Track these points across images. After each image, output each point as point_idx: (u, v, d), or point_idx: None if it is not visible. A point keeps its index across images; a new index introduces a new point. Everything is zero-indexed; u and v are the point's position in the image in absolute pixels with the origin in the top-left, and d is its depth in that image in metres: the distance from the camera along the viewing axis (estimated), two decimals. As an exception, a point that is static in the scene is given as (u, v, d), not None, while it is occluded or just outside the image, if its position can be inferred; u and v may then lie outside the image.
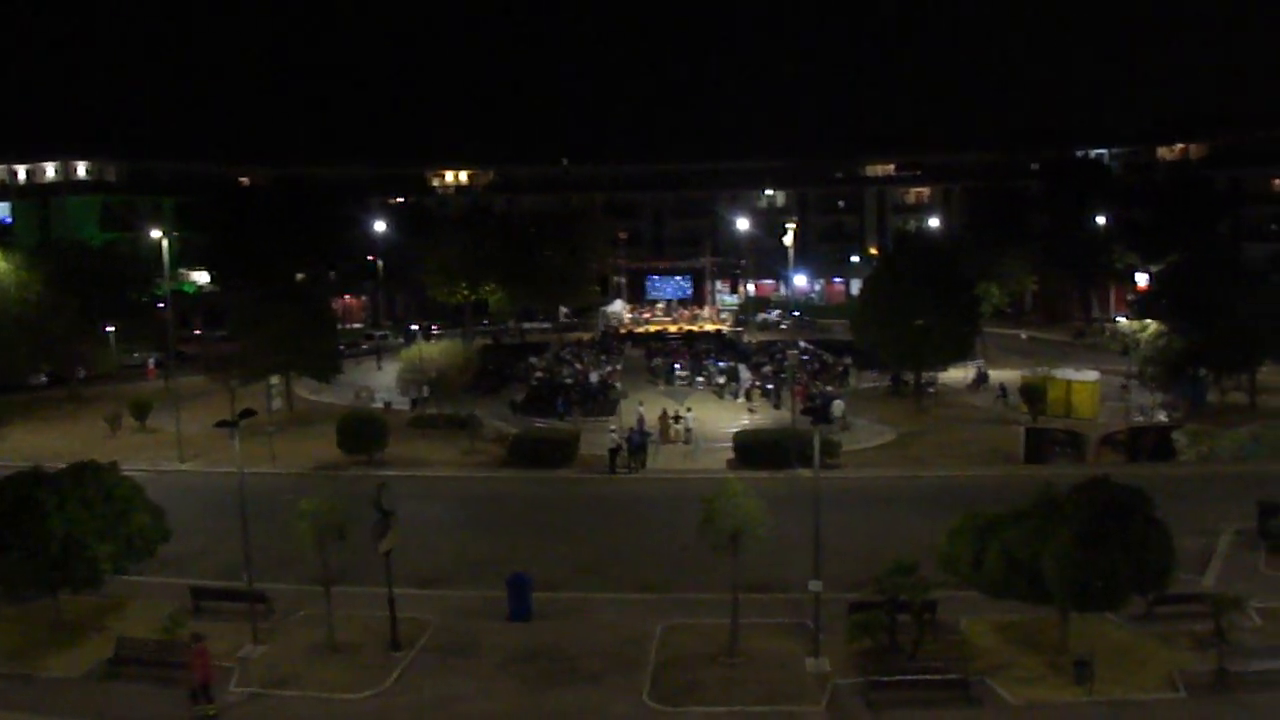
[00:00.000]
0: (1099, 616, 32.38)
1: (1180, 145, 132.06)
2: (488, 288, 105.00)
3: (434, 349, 66.20)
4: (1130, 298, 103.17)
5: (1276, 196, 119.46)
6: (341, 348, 78.79)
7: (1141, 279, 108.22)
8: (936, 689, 28.52)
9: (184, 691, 29.03)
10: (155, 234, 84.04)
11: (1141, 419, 65.01)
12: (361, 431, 58.17)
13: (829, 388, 72.52)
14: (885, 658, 30.33)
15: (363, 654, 32.47)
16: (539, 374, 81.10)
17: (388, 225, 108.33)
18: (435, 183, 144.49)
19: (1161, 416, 66.78)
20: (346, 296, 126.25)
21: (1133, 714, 28.02)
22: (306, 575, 35.00)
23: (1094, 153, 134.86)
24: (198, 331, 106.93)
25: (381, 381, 78.39)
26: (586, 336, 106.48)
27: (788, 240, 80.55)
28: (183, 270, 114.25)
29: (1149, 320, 73.51)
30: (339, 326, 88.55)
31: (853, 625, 31.28)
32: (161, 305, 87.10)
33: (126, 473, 36.67)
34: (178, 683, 29.77)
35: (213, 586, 37.18)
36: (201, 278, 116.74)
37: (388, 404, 70.85)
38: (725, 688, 29.73)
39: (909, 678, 28.69)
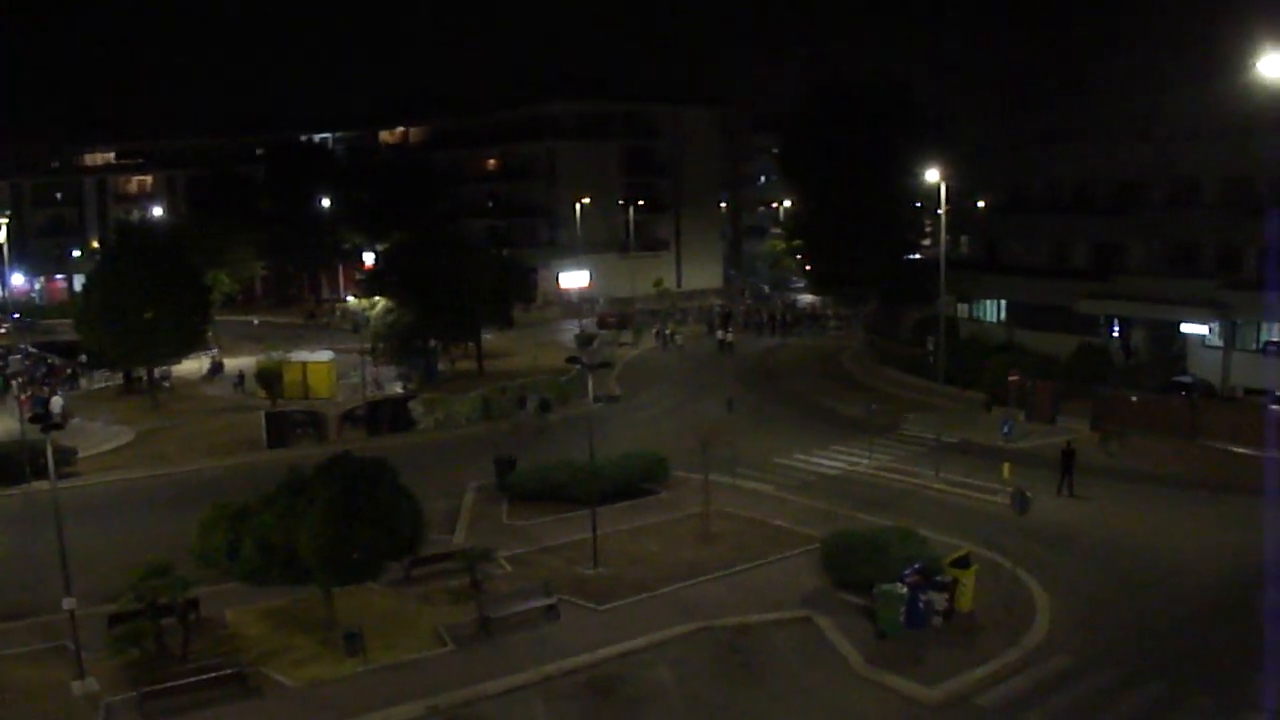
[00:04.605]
0: (361, 587, 33.28)
1: (401, 129, 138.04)
2: None
3: None
4: (359, 277, 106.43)
5: (490, 175, 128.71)
6: None
7: (369, 258, 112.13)
8: (213, 687, 27.93)
9: None
10: None
11: (378, 393, 67.48)
12: None
13: (56, 394, 68.59)
14: (156, 665, 29.28)
15: None
16: None
17: None
18: None
19: (397, 389, 69.80)
20: None
21: (407, 674, 29.13)
22: None
23: (318, 137, 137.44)
24: None
25: None
26: None
27: (0, 237, 74.91)
28: None
29: (378, 297, 76.29)
30: None
31: (115, 638, 29.90)
32: None
33: None
34: None
35: None
36: None
37: None
38: (-15, 730, 27.27)
39: (183, 681, 27.91)
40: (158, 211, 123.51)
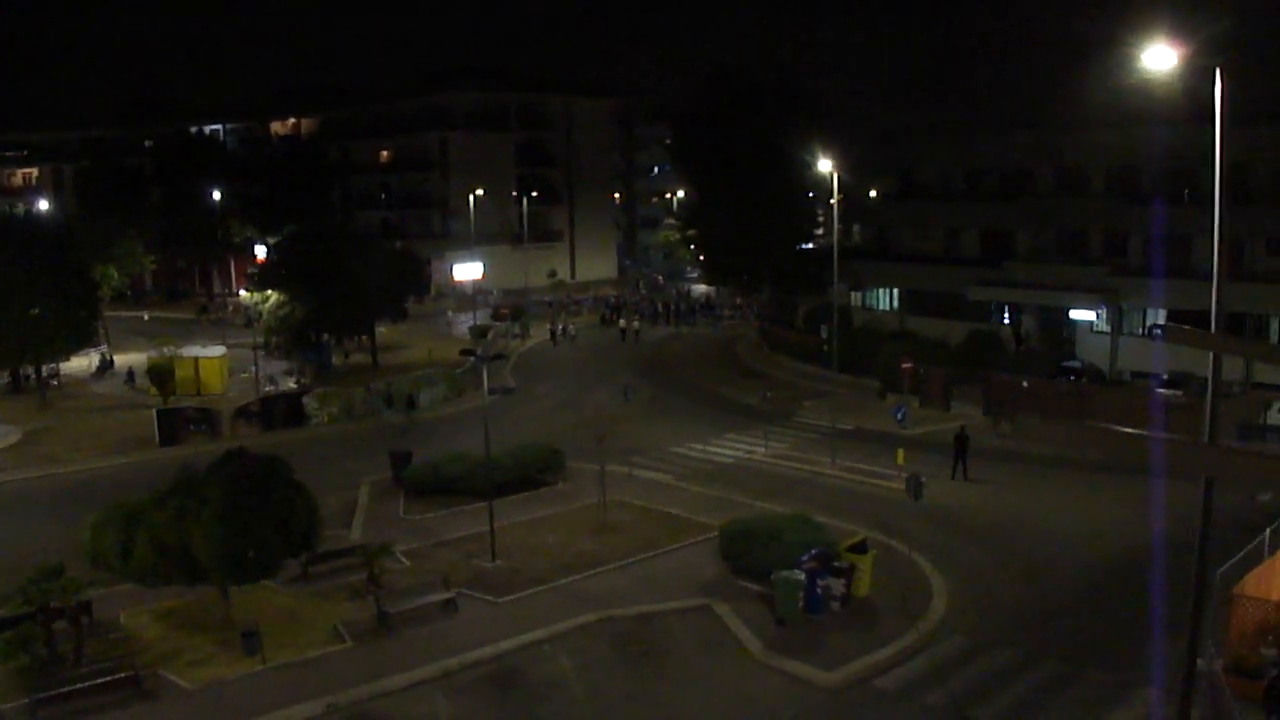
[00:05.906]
0: (258, 586, 32.73)
1: (293, 119, 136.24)
2: None
3: None
4: (251, 270, 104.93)
5: (383, 167, 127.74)
6: None
7: (261, 251, 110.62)
8: (108, 691, 27.36)
9: None
10: None
11: (271, 388, 66.60)
12: None
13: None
14: (48, 671, 28.58)
15: None
16: None
17: None
18: None
19: (290, 383, 68.98)
20: None
21: (306, 673, 28.79)
22: None
23: (208, 128, 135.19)
24: None
25: None
26: None
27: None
28: None
29: (270, 291, 75.29)
30: None
31: (5, 644, 29.11)
32: None
33: None
34: None
35: None
36: None
37: None
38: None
39: (77, 686, 27.33)
40: (44, 205, 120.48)
